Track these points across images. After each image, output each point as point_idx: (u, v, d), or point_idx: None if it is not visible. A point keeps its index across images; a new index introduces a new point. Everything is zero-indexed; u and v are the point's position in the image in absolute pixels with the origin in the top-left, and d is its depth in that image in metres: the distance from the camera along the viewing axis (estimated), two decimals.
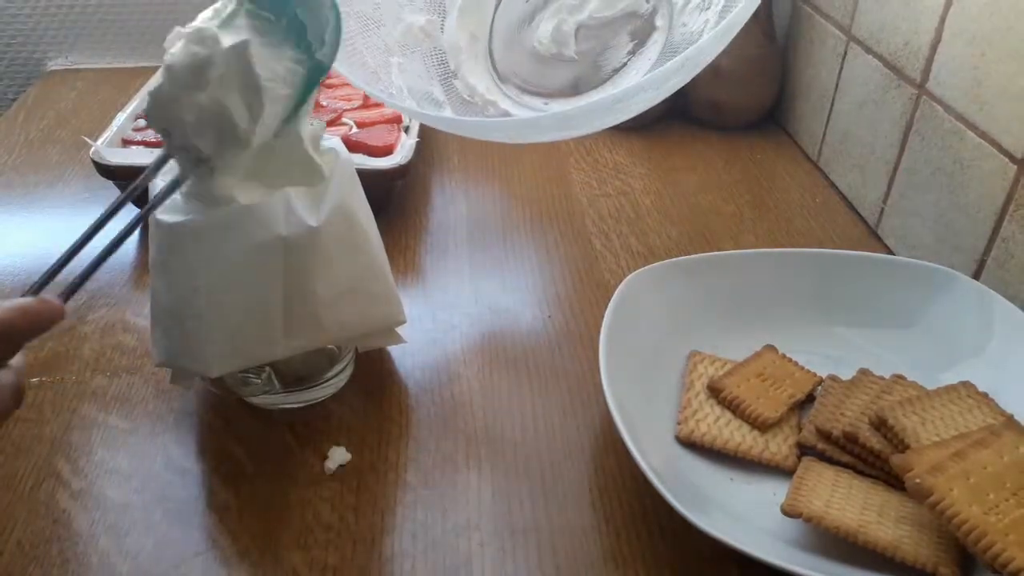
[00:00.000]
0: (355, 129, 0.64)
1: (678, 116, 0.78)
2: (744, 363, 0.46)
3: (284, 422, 0.45)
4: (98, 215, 0.36)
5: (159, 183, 0.39)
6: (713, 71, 0.56)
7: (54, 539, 0.39)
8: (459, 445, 0.44)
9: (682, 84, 0.48)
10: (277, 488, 0.41)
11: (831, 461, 0.41)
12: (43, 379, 0.48)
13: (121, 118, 0.63)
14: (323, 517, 0.40)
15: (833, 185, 0.69)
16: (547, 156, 0.72)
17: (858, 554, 0.36)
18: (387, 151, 0.60)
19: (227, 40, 0.34)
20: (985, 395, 0.42)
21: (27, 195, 0.65)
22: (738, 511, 0.39)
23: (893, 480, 0.39)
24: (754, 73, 0.75)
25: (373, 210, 0.44)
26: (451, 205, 0.65)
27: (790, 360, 0.46)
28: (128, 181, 0.60)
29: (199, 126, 0.35)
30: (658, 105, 0.51)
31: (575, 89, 0.58)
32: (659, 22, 0.61)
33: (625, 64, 0.59)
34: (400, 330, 0.47)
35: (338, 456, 0.42)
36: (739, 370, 0.45)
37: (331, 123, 0.64)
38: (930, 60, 0.55)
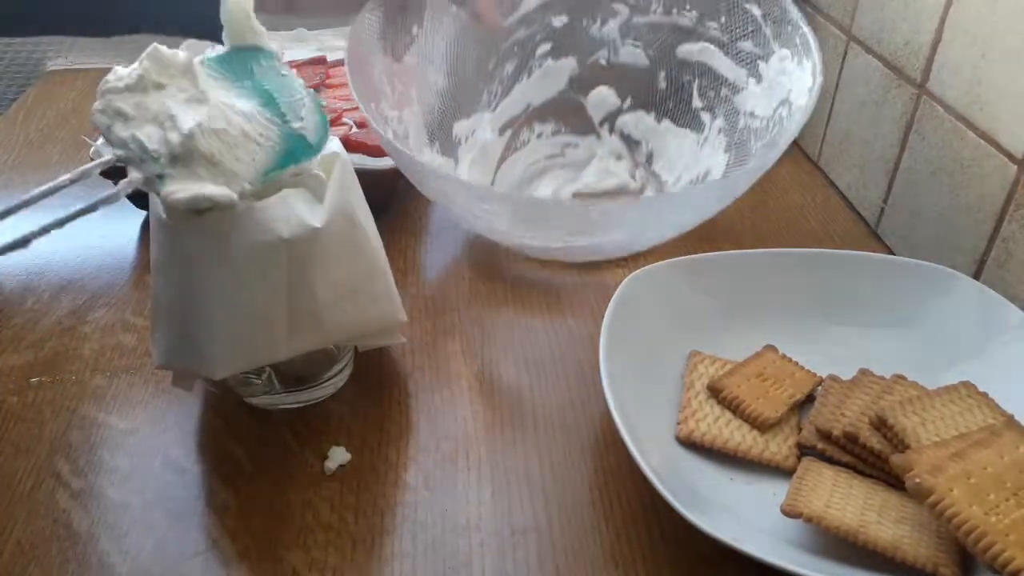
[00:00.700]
0: (355, 129, 0.64)
1: None
2: (744, 363, 0.46)
3: (284, 422, 0.45)
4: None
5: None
6: None
7: (54, 539, 0.39)
8: (459, 445, 0.44)
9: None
10: (277, 488, 0.41)
11: (831, 461, 0.41)
12: (43, 379, 0.48)
13: None
14: (323, 517, 0.40)
15: (833, 185, 0.69)
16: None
17: (858, 554, 0.36)
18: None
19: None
20: (985, 395, 0.42)
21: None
22: (738, 511, 0.39)
23: (893, 480, 0.39)
24: None
25: (373, 210, 0.44)
26: None
27: (790, 360, 0.46)
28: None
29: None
30: None
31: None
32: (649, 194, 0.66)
33: None
34: (400, 330, 0.47)
35: (338, 456, 0.42)
36: (739, 370, 0.45)
37: (331, 123, 0.64)
38: (930, 60, 0.55)
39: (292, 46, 0.82)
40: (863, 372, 0.45)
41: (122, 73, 0.35)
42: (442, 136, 0.64)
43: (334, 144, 0.42)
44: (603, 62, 0.68)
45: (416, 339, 0.51)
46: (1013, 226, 0.48)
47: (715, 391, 0.44)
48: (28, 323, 0.52)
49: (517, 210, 0.45)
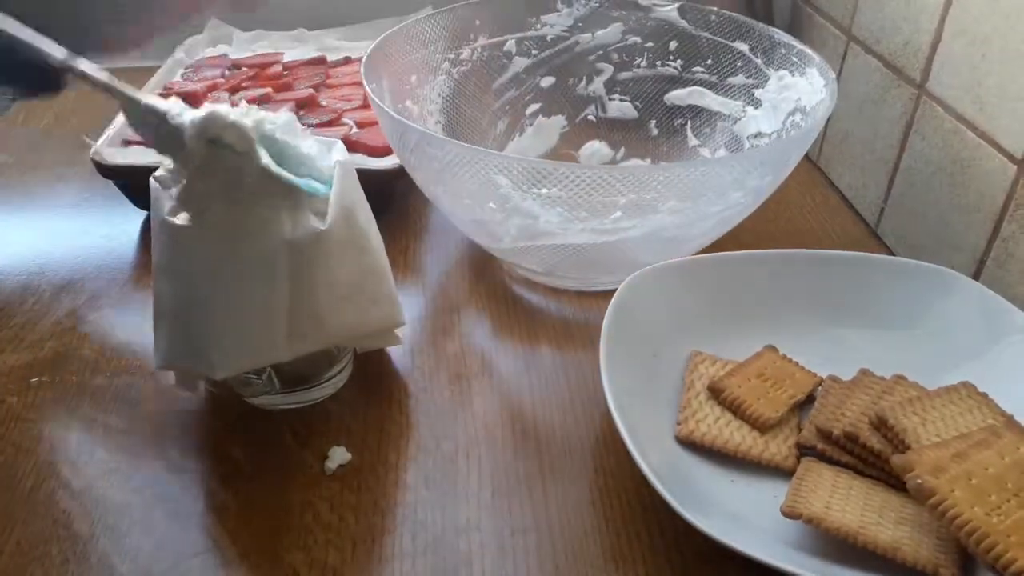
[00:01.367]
0: (355, 129, 0.64)
1: None
2: (745, 363, 0.46)
3: (284, 422, 0.45)
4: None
5: (157, 183, 0.39)
6: None
7: (54, 539, 0.38)
8: (459, 445, 0.44)
9: None
10: (277, 488, 0.41)
11: (831, 461, 0.41)
12: (43, 379, 0.48)
13: (121, 118, 0.63)
14: (323, 517, 0.40)
15: (833, 185, 0.69)
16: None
17: (858, 555, 0.36)
18: (387, 151, 0.60)
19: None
20: (985, 395, 0.42)
21: (27, 195, 0.65)
22: (738, 512, 0.39)
23: (893, 481, 0.39)
24: None
25: (373, 210, 0.44)
26: None
27: (791, 360, 0.46)
28: (128, 181, 0.60)
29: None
30: None
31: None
32: None
33: None
34: (399, 331, 0.47)
35: (338, 456, 0.42)
36: (740, 370, 0.45)
37: (331, 123, 0.64)
38: (930, 60, 0.55)
39: (292, 46, 0.82)
40: (863, 372, 0.45)
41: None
42: None
43: (337, 148, 0.42)
44: (592, 118, 0.70)
45: (416, 339, 0.51)
46: (1013, 226, 0.48)
47: (716, 392, 0.44)
48: (28, 323, 0.52)
49: (578, 184, 0.44)
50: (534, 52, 0.67)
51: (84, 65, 0.37)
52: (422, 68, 0.61)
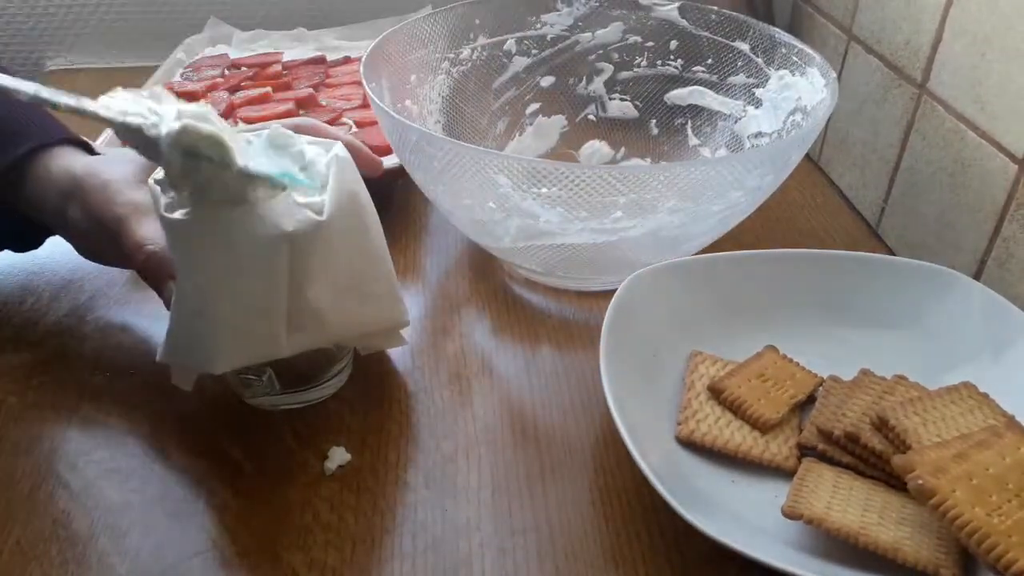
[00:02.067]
0: (355, 129, 0.64)
1: None
2: (745, 364, 0.46)
3: (284, 422, 0.45)
4: None
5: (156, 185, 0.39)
6: None
7: (54, 539, 0.38)
8: (459, 445, 0.44)
9: None
10: (277, 488, 0.41)
11: (832, 462, 0.41)
12: (43, 379, 0.48)
13: None
14: (323, 517, 0.40)
15: (833, 185, 0.69)
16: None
17: (859, 556, 0.36)
18: (387, 151, 0.60)
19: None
20: (986, 396, 0.42)
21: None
22: (738, 512, 0.39)
23: (894, 481, 0.39)
24: None
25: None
26: None
27: (791, 361, 0.46)
28: None
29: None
30: None
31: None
32: None
33: None
34: (403, 332, 0.47)
35: (338, 456, 0.42)
36: (740, 371, 0.45)
37: (331, 123, 0.64)
38: (931, 59, 0.55)
39: (292, 45, 0.82)
40: (864, 373, 0.45)
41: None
42: None
43: (336, 148, 0.42)
44: (592, 117, 0.70)
45: (416, 339, 0.51)
46: (1013, 226, 0.48)
47: (716, 392, 0.44)
48: (28, 323, 0.52)
49: (578, 184, 0.44)
50: (534, 51, 0.67)
51: (47, 94, 0.37)
52: (422, 68, 0.61)
